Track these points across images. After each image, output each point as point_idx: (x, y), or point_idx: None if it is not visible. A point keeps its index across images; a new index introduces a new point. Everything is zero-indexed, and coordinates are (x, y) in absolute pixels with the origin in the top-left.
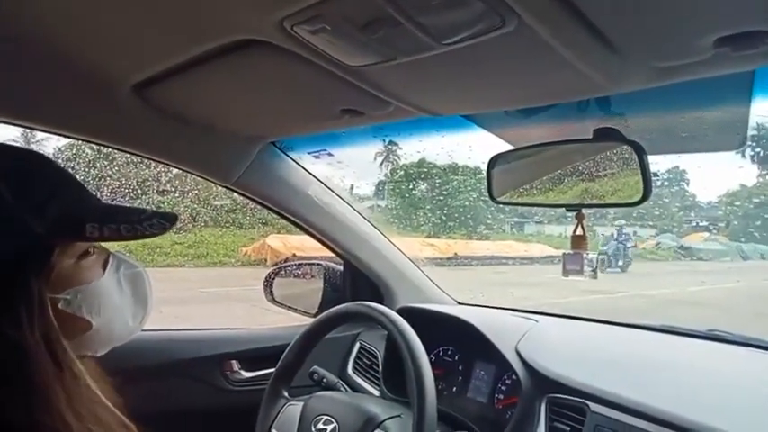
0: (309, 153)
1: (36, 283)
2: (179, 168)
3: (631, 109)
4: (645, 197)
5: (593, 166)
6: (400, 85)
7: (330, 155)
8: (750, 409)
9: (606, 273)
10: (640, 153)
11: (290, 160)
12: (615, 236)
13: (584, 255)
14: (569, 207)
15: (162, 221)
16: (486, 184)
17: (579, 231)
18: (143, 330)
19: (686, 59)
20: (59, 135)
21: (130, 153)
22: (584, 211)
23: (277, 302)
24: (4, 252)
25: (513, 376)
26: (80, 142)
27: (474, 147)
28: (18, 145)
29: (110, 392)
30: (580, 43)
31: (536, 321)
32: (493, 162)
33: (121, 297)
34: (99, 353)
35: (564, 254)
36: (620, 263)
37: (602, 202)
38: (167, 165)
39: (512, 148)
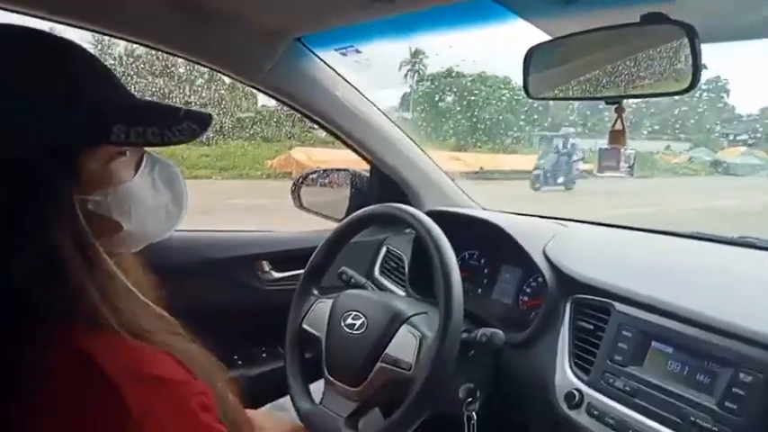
0: (336, 50)
1: (63, 185)
2: (203, 64)
3: None
4: (693, 85)
5: (637, 54)
6: None
7: (358, 51)
8: None
9: (542, 191)
10: (692, 35)
11: (316, 58)
12: (559, 148)
13: (622, 150)
14: (609, 99)
15: (192, 126)
16: (520, 84)
17: (618, 126)
18: (176, 231)
19: None
20: (78, 27)
21: (153, 48)
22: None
23: (305, 208)
24: (29, 153)
25: (539, 278)
26: (106, 44)
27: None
28: (43, 29)
29: (149, 287)
30: None
31: (565, 227)
32: (529, 55)
33: (156, 197)
34: (132, 251)
35: (600, 149)
36: (561, 180)
37: (644, 91)
38: (191, 60)
39: (550, 38)
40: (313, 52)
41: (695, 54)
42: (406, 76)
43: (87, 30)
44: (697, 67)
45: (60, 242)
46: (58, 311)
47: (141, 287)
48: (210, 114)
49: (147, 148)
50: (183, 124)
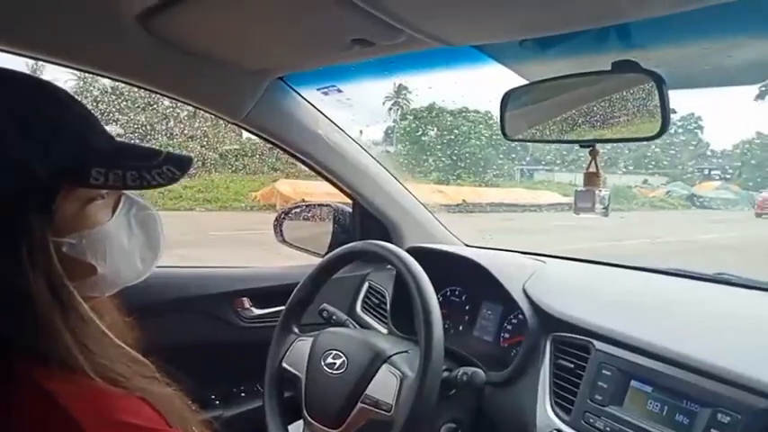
0: (318, 89)
1: (38, 226)
2: (186, 103)
3: (652, 41)
4: (663, 130)
5: (609, 100)
6: (413, 11)
7: (339, 91)
8: (755, 349)
9: None
10: (660, 84)
11: (298, 97)
12: None
13: (597, 192)
14: (583, 143)
15: (172, 170)
16: (498, 123)
17: (593, 168)
18: (156, 267)
19: None
20: (62, 66)
21: (136, 86)
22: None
23: (287, 243)
24: (5, 193)
25: (520, 315)
26: (89, 81)
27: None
28: (27, 73)
29: (127, 329)
30: None
31: (544, 263)
32: (506, 97)
33: (131, 240)
34: (106, 294)
35: (576, 191)
36: None
37: (617, 136)
38: (174, 99)
39: (527, 82)
40: (295, 90)
41: (663, 101)
42: (390, 110)
43: (70, 68)
44: (665, 114)
45: (33, 284)
46: (30, 354)
47: (118, 329)
48: (191, 158)
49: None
50: (163, 168)
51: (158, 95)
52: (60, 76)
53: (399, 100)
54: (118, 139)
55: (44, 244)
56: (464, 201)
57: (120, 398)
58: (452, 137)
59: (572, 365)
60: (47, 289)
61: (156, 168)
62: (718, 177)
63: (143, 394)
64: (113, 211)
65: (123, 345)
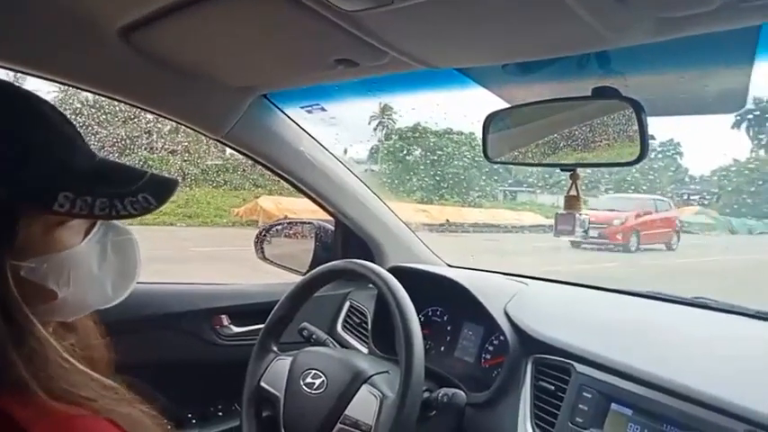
0: (302, 108)
1: None
2: (168, 118)
3: (631, 68)
4: (642, 156)
5: (590, 126)
6: (397, 34)
7: (323, 110)
8: (734, 373)
9: None
10: (639, 111)
11: (282, 114)
12: None
13: (577, 216)
14: (564, 167)
15: (148, 199)
16: (481, 144)
17: (573, 192)
18: None
19: (692, 10)
20: (42, 78)
21: (118, 100)
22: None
23: (268, 260)
24: None
25: (501, 337)
26: (71, 93)
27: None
28: (9, 82)
29: (101, 348)
30: None
31: (525, 284)
32: (489, 120)
33: (102, 266)
34: (69, 319)
35: (557, 214)
36: None
37: (597, 161)
38: (156, 114)
39: (508, 106)
40: (279, 108)
41: (642, 127)
42: (375, 129)
43: (52, 81)
44: (645, 140)
45: None
46: None
47: (91, 348)
48: (174, 184)
49: None
50: (138, 196)
51: (140, 110)
52: (43, 87)
53: (384, 120)
54: (100, 154)
55: (0, 266)
56: (447, 221)
57: (82, 420)
58: (436, 157)
59: (553, 387)
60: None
61: (130, 196)
62: (696, 203)
63: (110, 416)
64: (86, 235)
65: (86, 369)
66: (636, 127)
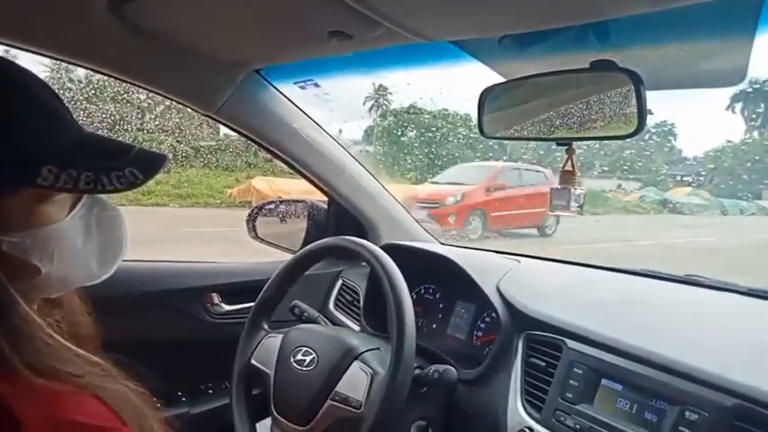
0: (295, 83)
1: None
2: (158, 93)
3: (630, 41)
4: (639, 129)
5: (587, 99)
6: (391, 4)
7: (317, 85)
8: (723, 348)
9: None
10: (637, 82)
11: (275, 90)
12: None
13: (573, 190)
14: (560, 141)
15: (135, 173)
16: (476, 123)
17: (569, 166)
18: (123, 261)
19: None
20: (30, 52)
21: (108, 75)
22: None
23: (260, 239)
24: None
25: (493, 314)
26: (61, 70)
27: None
28: None
29: (88, 324)
30: None
31: (518, 262)
32: (484, 95)
33: (87, 241)
34: (53, 295)
35: (551, 189)
36: None
37: (593, 134)
38: (145, 89)
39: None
40: (271, 84)
41: (641, 100)
42: (370, 110)
43: (43, 55)
44: (642, 112)
45: None
46: None
47: (77, 325)
48: (162, 159)
49: None
50: (125, 170)
51: (131, 86)
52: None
53: (379, 100)
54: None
55: None
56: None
57: (68, 397)
58: (431, 137)
59: (544, 364)
60: None
61: (116, 170)
62: (689, 183)
63: (96, 391)
64: (71, 210)
65: (71, 346)
66: (634, 99)
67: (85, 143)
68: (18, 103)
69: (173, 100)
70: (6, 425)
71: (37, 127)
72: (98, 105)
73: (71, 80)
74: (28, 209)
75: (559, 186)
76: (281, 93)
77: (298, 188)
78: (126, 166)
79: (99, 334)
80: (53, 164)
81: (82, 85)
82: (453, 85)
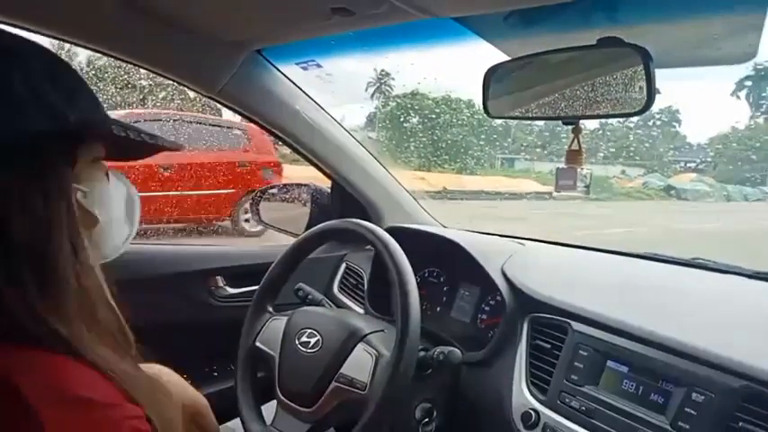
0: (297, 64)
1: (63, 165)
2: (159, 74)
3: (637, 16)
4: (647, 106)
5: (593, 77)
6: None
7: (319, 66)
8: (728, 330)
9: None
10: (646, 59)
11: (276, 71)
12: None
13: (579, 170)
14: (567, 119)
15: (164, 140)
16: (480, 109)
17: (575, 146)
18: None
19: None
20: (31, 31)
21: (109, 55)
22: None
23: (264, 223)
24: (39, 128)
25: (498, 297)
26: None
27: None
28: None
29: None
30: None
31: (522, 245)
32: (489, 74)
33: (119, 206)
34: (94, 262)
35: (558, 168)
36: None
37: (600, 112)
38: (147, 70)
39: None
40: (273, 65)
41: (649, 76)
42: (372, 96)
43: (44, 35)
44: (651, 90)
45: (56, 220)
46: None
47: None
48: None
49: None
50: (158, 139)
51: (138, 71)
52: None
53: (382, 86)
54: None
55: (67, 182)
56: (444, 188)
57: (73, 371)
58: (434, 123)
59: (549, 346)
60: (65, 228)
61: (150, 138)
62: (693, 169)
63: (106, 365)
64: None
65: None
66: (642, 76)
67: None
68: (79, 82)
69: (174, 81)
70: (11, 400)
71: (95, 98)
72: (98, 87)
73: (71, 61)
74: (90, 166)
75: (566, 166)
76: (283, 74)
77: (302, 174)
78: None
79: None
80: (116, 124)
81: (82, 66)
82: (457, 67)
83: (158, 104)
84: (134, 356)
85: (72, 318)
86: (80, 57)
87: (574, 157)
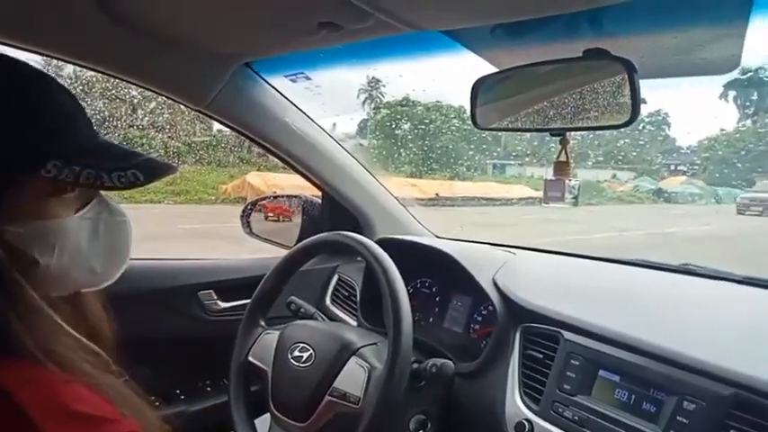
0: (286, 76)
1: None
2: (148, 89)
3: (623, 29)
4: (633, 118)
5: (580, 88)
6: None
7: (308, 78)
8: (719, 337)
9: None
10: (630, 71)
11: (265, 84)
12: None
13: (567, 181)
14: (554, 131)
15: (136, 175)
16: (469, 112)
17: (563, 157)
18: None
19: None
20: (17, 48)
21: (97, 71)
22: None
23: (254, 235)
24: None
25: (490, 307)
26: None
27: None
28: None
29: (107, 323)
30: None
31: (514, 254)
32: (477, 86)
33: (92, 243)
34: (56, 293)
35: (546, 180)
36: None
37: (587, 124)
38: (136, 84)
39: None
40: (262, 77)
41: (634, 88)
42: (363, 103)
43: (31, 51)
44: (636, 101)
45: None
46: None
47: (100, 323)
48: (171, 167)
49: (103, 193)
50: (128, 172)
51: (121, 83)
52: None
53: (373, 93)
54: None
55: None
56: (437, 195)
57: (71, 388)
58: (425, 130)
59: (541, 356)
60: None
61: (119, 171)
62: (683, 172)
63: (97, 384)
64: (78, 210)
65: (79, 336)
66: (627, 88)
67: (97, 146)
68: (39, 103)
69: (163, 95)
70: (11, 416)
71: (52, 125)
72: (87, 102)
73: (59, 76)
74: (35, 202)
75: (554, 178)
76: (273, 86)
77: (292, 183)
78: (130, 168)
79: (115, 337)
80: (59, 159)
81: (71, 82)
82: (447, 75)
83: (148, 115)
84: (114, 372)
85: (47, 336)
86: (68, 69)
87: (562, 168)
